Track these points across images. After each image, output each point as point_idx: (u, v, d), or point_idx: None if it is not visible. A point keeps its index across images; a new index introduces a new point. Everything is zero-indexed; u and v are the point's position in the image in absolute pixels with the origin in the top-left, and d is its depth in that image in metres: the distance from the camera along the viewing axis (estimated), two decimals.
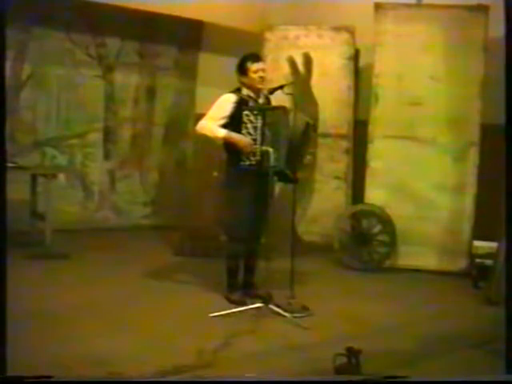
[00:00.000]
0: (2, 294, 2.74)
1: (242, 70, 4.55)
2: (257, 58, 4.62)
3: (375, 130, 6.11)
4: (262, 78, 4.51)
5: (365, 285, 5.43)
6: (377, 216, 6.04)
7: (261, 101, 4.57)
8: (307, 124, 4.52)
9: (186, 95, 7.97)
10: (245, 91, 4.55)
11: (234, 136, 4.41)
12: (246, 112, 4.40)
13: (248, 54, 4.67)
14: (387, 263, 5.98)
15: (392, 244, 5.96)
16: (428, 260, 5.92)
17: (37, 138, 6.95)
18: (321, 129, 6.61)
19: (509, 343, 3.05)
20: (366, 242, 6.06)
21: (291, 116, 4.48)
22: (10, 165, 5.04)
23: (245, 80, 4.54)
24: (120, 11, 6.62)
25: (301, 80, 6.61)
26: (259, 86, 4.52)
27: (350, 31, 6.59)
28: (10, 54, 6.48)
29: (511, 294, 3.19)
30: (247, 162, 4.40)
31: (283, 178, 4.57)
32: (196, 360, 3.43)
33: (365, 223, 6.12)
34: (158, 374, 3.21)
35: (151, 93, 7.77)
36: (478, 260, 5.49)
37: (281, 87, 4.49)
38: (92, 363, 3.31)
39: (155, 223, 7.68)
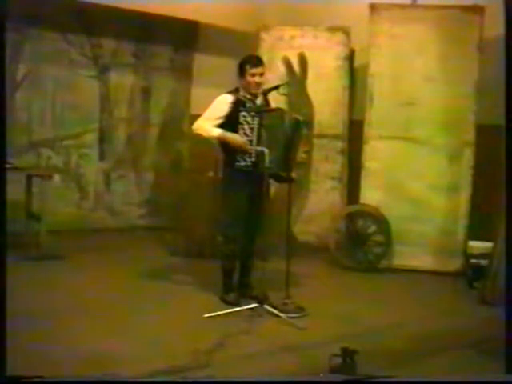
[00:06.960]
0: (2, 294, 2.73)
1: (241, 71, 4.53)
2: (256, 62, 4.55)
3: (370, 131, 6.11)
4: (258, 83, 4.47)
5: (360, 285, 5.44)
6: (372, 216, 6.04)
7: (258, 102, 4.55)
8: (297, 121, 4.47)
9: (182, 96, 7.97)
10: (242, 92, 4.54)
11: (229, 136, 4.42)
12: (243, 113, 4.40)
13: (249, 56, 4.66)
14: (382, 263, 5.98)
15: (387, 244, 5.97)
16: (423, 260, 5.92)
17: (32, 139, 6.93)
18: (316, 129, 6.62)
19: (509, 343, 3.05)
20: (361, 242, 6.06)
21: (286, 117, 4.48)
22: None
23: (242, 82, 4.54)
24: (115, 12, 6.61)
25: (296, 80, 6.61)
26: (254, 92, 4.49)
27: (346, 32, 6.60)
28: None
29: (511, 294, 3.19)
30: (243, 163, 4.42)
31: (279, 178, 4.57)
32: (191, 360, 3.42)
33: (360, 223, 6.12)
34: (154, 374, 3.20)
35: (146, 93, 7.77)
36: (473, 260, 5.49)
37: (276, 87, 4.48)
38: (88, 363, 3.31)
39: (151, 224, 7.67)
